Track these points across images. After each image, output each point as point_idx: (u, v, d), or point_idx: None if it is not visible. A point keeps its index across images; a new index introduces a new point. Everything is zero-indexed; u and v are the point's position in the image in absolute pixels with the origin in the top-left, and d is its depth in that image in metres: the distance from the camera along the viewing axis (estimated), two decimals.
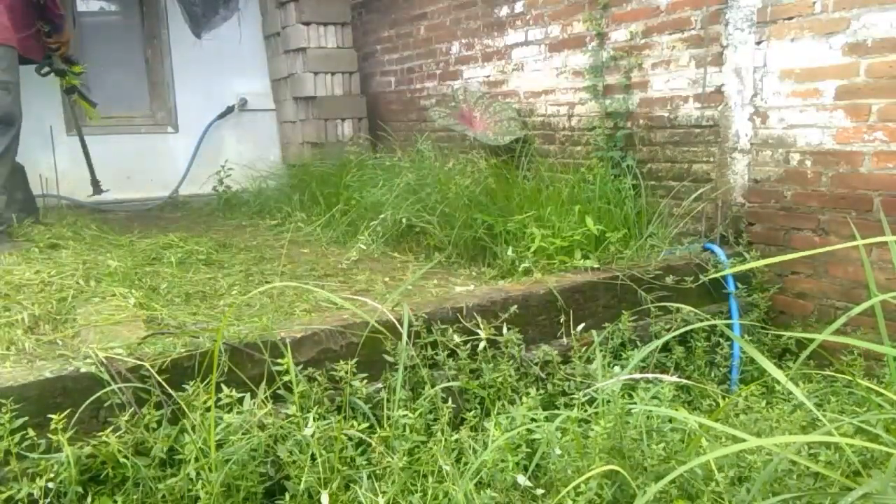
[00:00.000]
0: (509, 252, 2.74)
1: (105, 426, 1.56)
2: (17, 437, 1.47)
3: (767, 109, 2.74)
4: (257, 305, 2.38)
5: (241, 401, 1.65)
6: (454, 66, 4.71)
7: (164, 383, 1.63)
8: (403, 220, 3.28)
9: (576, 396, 1.87)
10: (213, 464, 1.51)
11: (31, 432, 1.49)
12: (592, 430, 1.62)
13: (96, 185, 4.80)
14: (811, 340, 1.43)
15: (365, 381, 1.81)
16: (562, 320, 2.31)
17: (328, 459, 1.59)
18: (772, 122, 2.73)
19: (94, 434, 1.55)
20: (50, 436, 1.50)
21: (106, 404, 1.59)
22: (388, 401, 1.84)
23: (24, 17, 3.63)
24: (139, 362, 1.63)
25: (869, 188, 2.43)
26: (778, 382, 2.03)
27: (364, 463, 1.63)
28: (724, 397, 2.22)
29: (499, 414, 1.88)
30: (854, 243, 1.42)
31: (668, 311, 2.43)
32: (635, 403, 1.74)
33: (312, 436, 1.58)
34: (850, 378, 1.96)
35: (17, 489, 1.44)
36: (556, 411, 1.84)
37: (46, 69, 4.24)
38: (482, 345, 2.03)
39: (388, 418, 1.76)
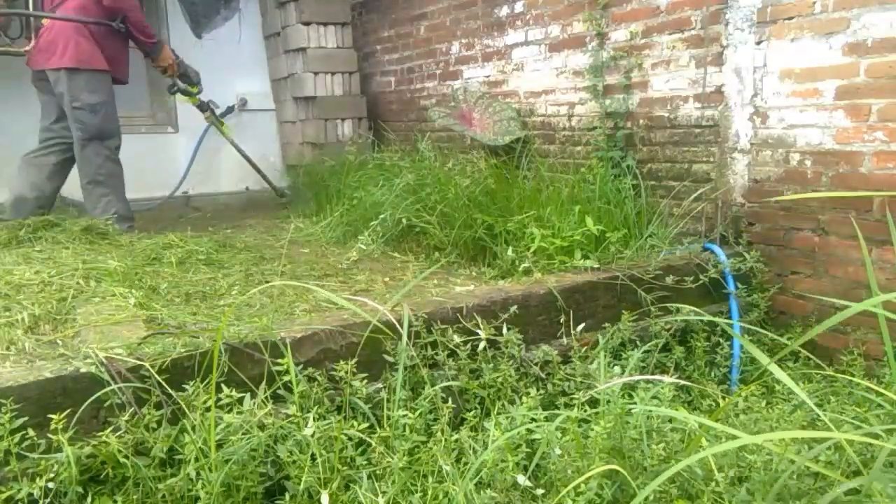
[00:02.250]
0: (509, 252, 2.74)
1: (105, 426, 1.56)
2: (17, 437, 1.47)
3: (767, 109, 2.74)
4: (257, 305, 2.37)
5: (241, 401, 1.65)
6: (454, 66, 4.71)
7: (164, 383, 1.62)
8: (403, 220, 3.28)
9: (576, 396, 1.87)
10: (213, 464, 1.51)
11: (31, 432, 1.48)
12: (592, 430, 1.62)
13: (280, 192, 5.22)
14: (812, 341, 1.43)
15: (365, 381, 1.81)
16: (562, 320, 2.31)
17: (328, 459, 1.59)
18: (772, 122, 2.73)
19: (94, 434, 1.55)
20: (50, 436, 1.49)
21: (106, 404, 1.59)
22: (388, 401, 1.83)
23: (105, 41, 3.74)
24: (139, 362, 1.63)
25: (869, 188, 2.43)
26: (778, 382, 2.03)
27: (364, 463, 1.63)
28: (724, 397, 2.22)
29: (499, 414, 1.87)
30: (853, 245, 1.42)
31: (668, 311, 2.44)
32: (635, 403, 1.74)
33: (312, 436, 1.58)
34: (850, 378, 1.96)
35: (17, 489, 1.44)
36: (556, 411, 1.83)
37: (175, 89, 4.50)
38: (482, 345, 2.03)
39: (388, 418, 1.76)
